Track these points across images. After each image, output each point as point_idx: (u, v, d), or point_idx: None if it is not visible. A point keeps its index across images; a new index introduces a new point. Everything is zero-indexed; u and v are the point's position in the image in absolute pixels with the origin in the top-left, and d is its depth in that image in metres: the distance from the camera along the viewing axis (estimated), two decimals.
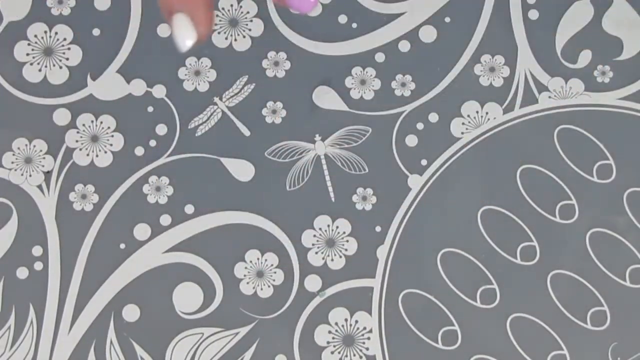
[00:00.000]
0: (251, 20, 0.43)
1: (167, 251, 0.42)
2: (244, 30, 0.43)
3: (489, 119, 0.43)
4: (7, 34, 0.43)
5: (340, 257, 0.42)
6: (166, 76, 0.42)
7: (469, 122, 0.43)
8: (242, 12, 0.43)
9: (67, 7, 0.43)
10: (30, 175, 0.42)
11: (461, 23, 0.44)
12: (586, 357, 0.41)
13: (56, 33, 0.43)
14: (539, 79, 0.43)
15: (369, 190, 0.42)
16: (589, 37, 0.43)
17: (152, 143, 0.42)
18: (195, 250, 0.42)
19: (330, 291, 0.41)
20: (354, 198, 0.42)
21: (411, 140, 0.43)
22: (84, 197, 0.42)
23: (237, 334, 0.41)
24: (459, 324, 0.41)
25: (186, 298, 0.41)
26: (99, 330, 0.41)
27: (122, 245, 0.42)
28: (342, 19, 0.43)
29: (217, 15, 0.43)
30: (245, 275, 0.41)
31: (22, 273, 0.41)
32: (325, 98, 0.43)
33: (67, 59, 0.42)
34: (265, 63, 0.43)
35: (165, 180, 0.42)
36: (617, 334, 0.41)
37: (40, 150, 0.42)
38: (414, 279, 0.42)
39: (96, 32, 0.43)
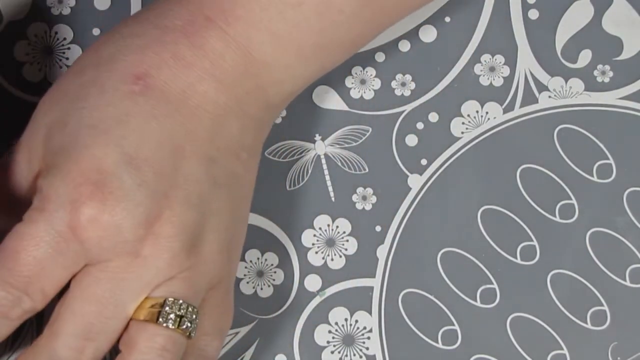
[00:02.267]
0: None
1: None
2: None
3: (489, 119, 0.43)
4: (7, 34, 0.43)
5: (340, 256, 0.42)
6: None
7: (469, 121, 0.43)
8: None
9: (67, 6, 0.43)
10: None
11: (461, 23, 0.44)
12: (586, 356, 0.41)
13: (56, 33, 0.43)
14: (539, 78, 0.43)
15: (369, 190, 0.42)
16: (589, 37, 0.43)
17: None
18: None
19: (330, 291, 0.41)
20: (354, 198, 0.42)
21: (411, 140, 0.43)
22: None
23: (237, 333, 0.41)
24: (459, 324, 0.41)
25: None
26: None
27: None
28: None
29: None
30: (245, 275, 0.41)
31: None
32: (325, 98, 0.43)
33: (67, 58, 0.42)
34: None
35: None
36: (617, 333, 0.41)
37: None
38: (414, 279, 0.42)
39: (96, 31, 0.43)
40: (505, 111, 0.43)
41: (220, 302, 0.36)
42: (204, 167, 0.35)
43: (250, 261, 0.42)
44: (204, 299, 0.35)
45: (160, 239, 0.33)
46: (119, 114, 0.34)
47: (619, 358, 0.41)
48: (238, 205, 0.36)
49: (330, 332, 0.41)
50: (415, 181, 0.42)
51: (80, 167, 0.33)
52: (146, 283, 0.34)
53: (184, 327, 0.34)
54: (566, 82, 0.43)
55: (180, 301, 0.34)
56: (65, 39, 0.43)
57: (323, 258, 0.42)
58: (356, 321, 0.41)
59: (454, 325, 0.41)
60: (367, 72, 0.43)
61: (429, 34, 0.44)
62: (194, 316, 0.34)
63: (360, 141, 0.43)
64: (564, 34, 0.43)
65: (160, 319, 0.34)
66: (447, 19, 0.44)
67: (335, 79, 0.43)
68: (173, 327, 0.34)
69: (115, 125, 0.34)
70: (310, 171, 0.42)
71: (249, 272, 0.41)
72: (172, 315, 0.34)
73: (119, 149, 0.33)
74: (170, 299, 0.34)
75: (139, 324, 0.34)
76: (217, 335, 0.36)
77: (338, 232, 0.42)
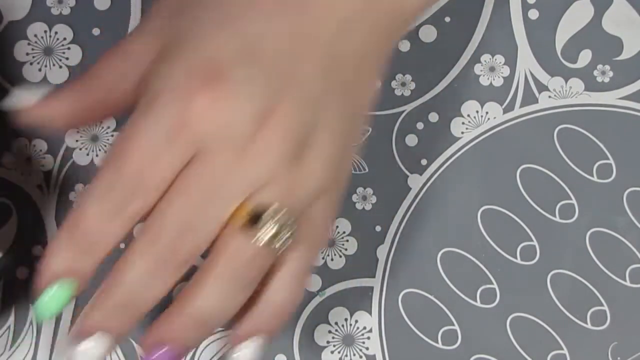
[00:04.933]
0: None
1: None
2: None
3: (489, 119, 0.43)
4: (7, 34, 0.43)
5: (340, 256, 0.42)
6: None
7: (469, 121, 0.43)
8: None
9: (67, 6, 0.43)
10: (30, 175, 0.42)
11: (461, 23, 0.44)
12: (586, 356, 0.41)
13: (56, 33, 0.43)
14: (539, 78, 0.43)
15: (369, 190, 0.42)
16: (589, 37, 0.43)
17: None
18: None
19: (330, 291, 0.41)
20: (354, 197, 0.42)
21: (411, 140, 0.43)
22: None
23: None
24: (459, 324, 0.41)
25: None
26: None
27: (122, 245, 0.41)
28: None
29: None
30: None
31: (22, 273, 0.41)
32: None
33: (67, 58, 0.42)
34: None
35: None
36: (617, 333, 0.41)
37: (40, 150, 0.42)
38: (414, 279, 0.42)
39: (96, 31, 0.43)
40: (505, 111, 0.43)
41: (320, 214, 0.35)
42: (321, 71, 0.34)
43: None
44: (304, 208, 0.34)
45: (270, 138, 0.32)
46: (242, 8, 0.33)
47: (619, 358, 0.41)
48: (352, 115, 0.35)
49: (330, 332, 0.41)
50: (415, 181, 0.42)
51: (196, 57, 0.32)
52: (247, 183, 0.33)
53: (278, 237, 0.33)
54: (566, 82, 0.43)
55: (279, 209, 0.33)
56: (65, 39, 0.43)
57: (323, 258, 0.42)
58: (356, 321, 0.41)
59: (454, 325, 0.41)
60: None
61: (429, 34, 0.44)
62: (290, 226, 0.33)
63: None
64: (564, 34, 0.43)
65: (255, 227, 0.33)
66: (447, 19, 0.44)
67: None
68: (266, 236, 0.33)
69: (237, 19, 0.33)
70: None
71: None
72: (267, 224, 0.33)
73: (238, 42, 0.33)
74: (268, 206, 0.33)
75: (233, 229, 0.33)
76: (312, 246, 0.35)
77: (338, 232, 0.42)
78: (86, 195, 0.33)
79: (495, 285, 0.41)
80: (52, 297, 0.33)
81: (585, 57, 0.43)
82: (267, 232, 0.33)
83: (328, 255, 0.42)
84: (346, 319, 0.41)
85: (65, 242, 0.33)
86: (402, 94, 0.43)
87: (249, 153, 0.33)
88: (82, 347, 0.33)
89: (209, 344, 0.41)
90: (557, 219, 0.42)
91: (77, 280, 0.33)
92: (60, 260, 0.33)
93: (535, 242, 0.42)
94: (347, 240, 0.42)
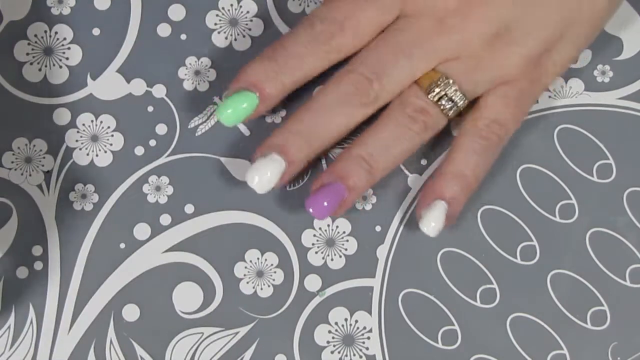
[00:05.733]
0: (251, 20, 0.43)
1: (167, 251, 0.42)
2: (244, 30, 0.43)
3: None
4: (7, 34, 0.43)
5: (340, 256, 0.42)
6: (166, 76, 0.42)
7: None
8: (242, 12, 0.43)
9: (67, 6, 0.43)
10: (30, 175, 0.42)
11: None
12: (586, 356, 0.41)
13: (56, 33, 0.43)
14: None
15: (369, 190, 0.42)
16: None
17: (152, 143, 0.42)
18: (195, 250, 0.42)
19: (330, 291, 0.41)
20: None
21: None
22: (84, 196, 0.42)
23: (236, 333, 0.41)
24: (459, 324, 0.41)
25: (186, 298, 0.41)
26: (98, 330, 0.41)
27: (122, 245, 0.41)
28: None
29: (217, 15, 0.43)
30: (245, 275, 0.41)
31: (22, 273, 0.41)
32: None
33: (67, 58, 0.42)
34: None
35: (165, 179, 0.42)
36: (617, 333, 0.41)
37: (40, 150, 0.42)
38: (414, 279, 0.42)
39: (96, 31, 0.43)
40: None
41: (504, 95, 0.39)
42: None
43: (250, 261, 0.42)
44: (490, 89, 0.39)
45: (470, 16, 0.37)
46: None
47: (619, 358, 0.41)
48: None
49: (330, 332, 0.41)
50: (415, 181, 0.42)
51: None
52: (438, 49, 0.38)
53: (443, 105, 0.38)
54: (566, 82, 0.43)
55: (451, 83, 0.38)
56: (65, 39, 0.43)
57: (323, 258, 0.42)
58: (356, 321, 0.41)
59: (454, 325, 0.41)
60: None
61: None
62: (458, 99, 0.38)
63: None
64: None
65: (429, 89, 0.38)
66: None
67: None
68: (434, 99, 0.38)
69: None
70: (310, 171, 0.42)
71: (249, 272, 0.41)
72: (437, 90, 0.38)
73: None
74: (445, 78, 0.38)
75: (413, 88, 0.39)
76: (496, 124, 0.39)
77: (338, 232, 0.42)
78: (298, 25, 0.39)
79: (495, 285, 0.41)
80: (236, 100, 0.38)
81: (585, 57, 0.43)
82: (436, 91, 0.38)
83: (328, 255, 0.42)
84: (346, 319, 0.41)
85: (266, 56, 0.38)
86: None
87: (445, 25, 0.38)
88: (256, 164, 0.38)
89: (209, 344, 0.41)
90: (557, 219, 0.42)
91: (259, 96, 0.38)
92: (254, 71, 0.38)
93: (535, 242, 0.42)
94: (347, 240, 0.42)
